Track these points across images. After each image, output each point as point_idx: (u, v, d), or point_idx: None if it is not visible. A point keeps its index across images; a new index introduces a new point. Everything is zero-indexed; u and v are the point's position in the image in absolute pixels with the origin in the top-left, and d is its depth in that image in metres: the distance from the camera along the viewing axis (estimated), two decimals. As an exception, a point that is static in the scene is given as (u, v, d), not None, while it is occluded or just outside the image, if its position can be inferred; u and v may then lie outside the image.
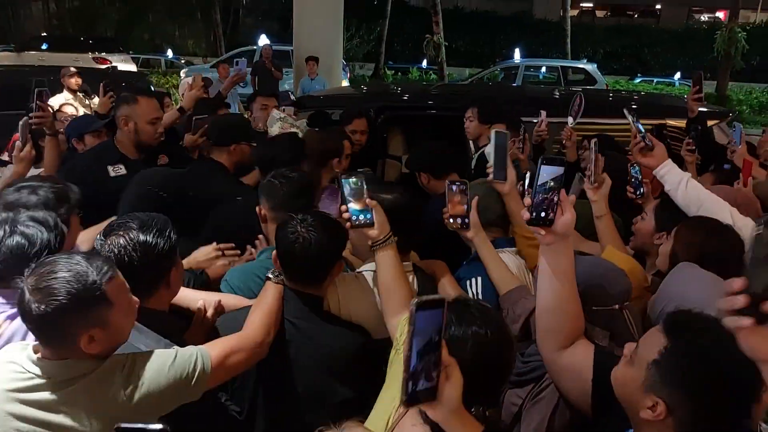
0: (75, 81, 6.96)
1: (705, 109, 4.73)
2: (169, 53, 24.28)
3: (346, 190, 1.88)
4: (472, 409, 1.30)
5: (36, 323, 1.40)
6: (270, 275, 1.90)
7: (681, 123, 3.98)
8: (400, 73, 21.48)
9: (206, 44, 28.46)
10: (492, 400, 1.41)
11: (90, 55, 17.96)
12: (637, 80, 21.76)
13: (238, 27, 28.48)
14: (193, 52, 27.89)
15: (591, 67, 14.29)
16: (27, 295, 1.39)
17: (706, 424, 1.29)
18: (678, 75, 22.10)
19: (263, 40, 14.89)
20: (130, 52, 21.16)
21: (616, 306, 1.76)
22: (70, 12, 27.90)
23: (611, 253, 2.26)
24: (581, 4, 33.54)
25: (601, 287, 1.77)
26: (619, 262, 2.22)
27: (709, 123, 3.88)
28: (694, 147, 3.33)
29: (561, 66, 14.87)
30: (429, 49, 18.56)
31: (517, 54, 17.32)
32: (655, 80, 21.13)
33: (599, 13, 34.99)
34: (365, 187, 1.89)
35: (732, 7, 17.97)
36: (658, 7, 33.26)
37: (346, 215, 1.87)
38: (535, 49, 24.65)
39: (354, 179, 1.89)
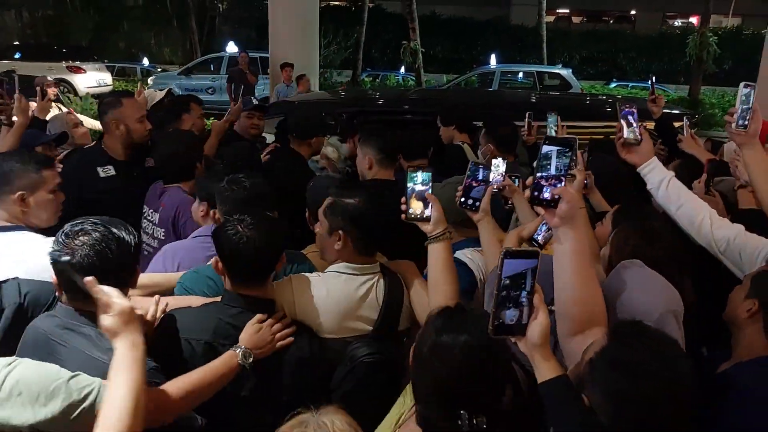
0: (52, 91, 6.85)
1: (676, 111, 4.89)
2: (145, 61, 24.05)
3: (410, 184, 1.99)
4: (462, 412, 1.36)
5: None
6: (237, 350, 1.81)
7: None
8: (377, 80, 21.49)
9: (182, 52, 28.22)
10: (482, 408, 1.41)
11: (64, 64, 17.74)
12: (613, 85, 22.01)
13: (215, 34, 28.31)
14: (170, 60, 27.65)
15: (566, 72, 14.43)
16: None
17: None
18: (653, 79, 22.30)
19: (232, 47, 14.92)
20: (105, 60, 20.91)
21: None
22: (44, 21, 27.49)
23: None
24: (557, 10, 33.83)
25: None
26: None
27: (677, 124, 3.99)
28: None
29: (536, 71, 15.00)
30: (406, 56, 18.61)
31: (493, 59, 17.42)
32: (630, 84, 21.38)
33: (575, 19, 35.35)
34: (429, 183, 1.99)
35: (704, 13, 18.25)
36: (633, 12, 33.69)
37: (403, 207, 1.99)
38: (513, 54, 24.84)
39: (419, 174, 1.99)
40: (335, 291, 2.02)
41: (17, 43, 22.63)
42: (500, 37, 27.13)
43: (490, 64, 17.33)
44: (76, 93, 15.31)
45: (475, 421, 1.36)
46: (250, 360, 1.81)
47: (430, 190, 1.99)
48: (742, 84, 2.27)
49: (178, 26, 28.06)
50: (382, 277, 2.10)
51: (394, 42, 22.06)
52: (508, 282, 1.36)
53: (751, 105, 2.23)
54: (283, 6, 10.46)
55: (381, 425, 1.65)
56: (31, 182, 2.35)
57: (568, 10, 34.95)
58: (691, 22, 30.97)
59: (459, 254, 2.36)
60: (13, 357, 1.47)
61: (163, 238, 2.86)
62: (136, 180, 3.25)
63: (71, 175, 2.96)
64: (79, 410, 1.42)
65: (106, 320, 1.50)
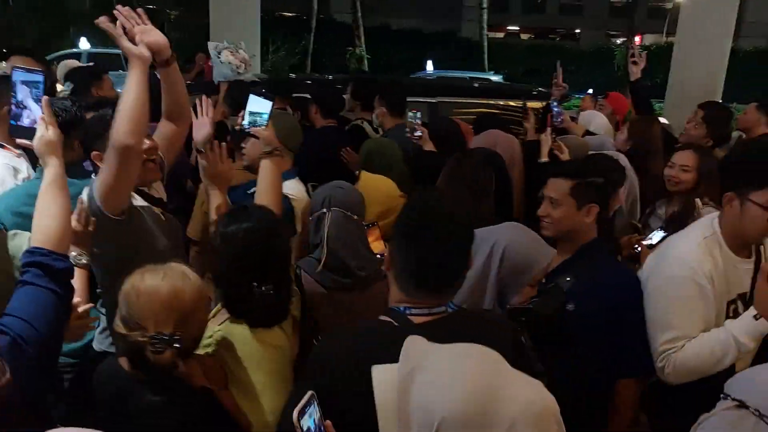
0: None
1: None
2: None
3: (250, 101, 2.21)
4: (256, 285, 1.65)
5: None
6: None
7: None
8: (325, 86, 21.73)
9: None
10: (269, 277, 1.70)
11: (3, 64, 17.33)
12: (554, 96, 22.75)
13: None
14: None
15: (496, 78, 15.10)
16: None
17: None
18: (590, 90, 23.26)
19: (84, 43, 14.94)
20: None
21: None
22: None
23: (365, 176, 2.64)
24: (508, 27, 35.19)
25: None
26: (375, 181, 2.59)
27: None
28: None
29: (469, 77, 15.64)
30: (352, 61, 19.07)
31: (429, 65, 18.04)
32: (573, 95, 22.26)
33: (524, 36, 36.50)
34: (269, 110, 2.19)
35: (629, 28, 21.15)
36: (578, 31, 35.08)
37: (240, 119, 2.22)
38: (461, 65, 25.52)
39: (265, 101, 2.20)
40: None
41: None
42: (448, 49, 27.82)
43: (426, 69, 17.96)
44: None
45: (263, 288, 1.67)
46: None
47: (267, 117, 2.19)
48: None
49: (128, 32, 27.70)
50: None
51: (341, 49, 22.48)
52: None
53: None
54: (223, 11, 10.63)
55: None
56: None
57: (518, 27, 36.20)
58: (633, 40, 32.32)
59: None
60: None
61: None
62: None
63: None
64: None
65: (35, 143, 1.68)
